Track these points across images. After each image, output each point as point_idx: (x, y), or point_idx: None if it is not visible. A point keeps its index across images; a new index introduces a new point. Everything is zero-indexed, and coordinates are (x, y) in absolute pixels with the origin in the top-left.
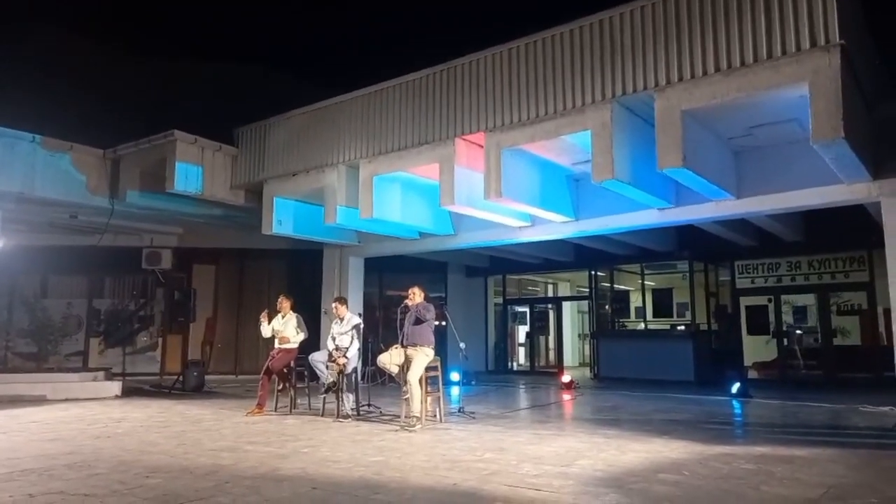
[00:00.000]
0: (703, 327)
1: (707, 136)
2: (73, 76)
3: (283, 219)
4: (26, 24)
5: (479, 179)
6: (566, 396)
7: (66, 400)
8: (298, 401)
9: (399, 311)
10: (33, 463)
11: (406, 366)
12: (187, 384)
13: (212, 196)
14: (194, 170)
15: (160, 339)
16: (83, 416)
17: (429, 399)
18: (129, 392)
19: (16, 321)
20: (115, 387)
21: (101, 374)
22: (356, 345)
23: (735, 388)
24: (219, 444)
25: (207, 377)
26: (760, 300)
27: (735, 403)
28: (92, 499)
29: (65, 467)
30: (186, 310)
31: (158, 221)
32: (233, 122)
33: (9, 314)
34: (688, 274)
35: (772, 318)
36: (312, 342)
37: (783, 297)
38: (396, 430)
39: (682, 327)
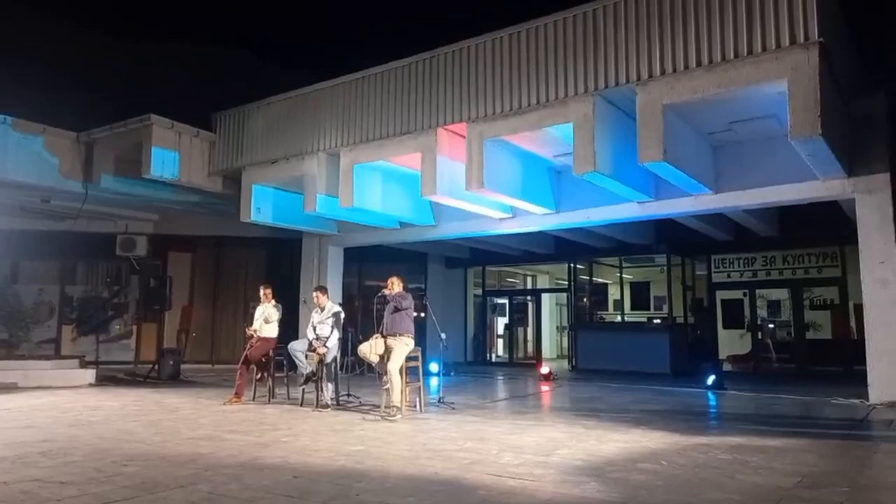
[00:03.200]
0: (680, 320)
1: (687, 131)
2: (46, 57)
3: (262, 206)
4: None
5: (461, 170)
6: (545, 387)
7: (39, 388)
8: (277, 390)
9: (376, 301)
10: (7, 450)
11: (386, 356)
12: (163, 373)
13: (189, 182)
14: (171, 155)
15: (135, 327)
16: (57, 404)
17: (408, 389)
18: (102, 380)
19: None
20: (89, 375)
21: (74, 361)
22: (336, 334)
23: (710, 380)
24: (197, 433)
25: (183, 366)
26: (736, 294)
27: (710, 395)
28: (69, 486)
29: (40, 455)
30: (162, 297)
31: (134, 207)
32: (211, 108)
33: None
34: (665, 267)
35: (747, 311)
36: (291, 332)
37: (758, 291)
38: (376, 420)
39: (659, 320)
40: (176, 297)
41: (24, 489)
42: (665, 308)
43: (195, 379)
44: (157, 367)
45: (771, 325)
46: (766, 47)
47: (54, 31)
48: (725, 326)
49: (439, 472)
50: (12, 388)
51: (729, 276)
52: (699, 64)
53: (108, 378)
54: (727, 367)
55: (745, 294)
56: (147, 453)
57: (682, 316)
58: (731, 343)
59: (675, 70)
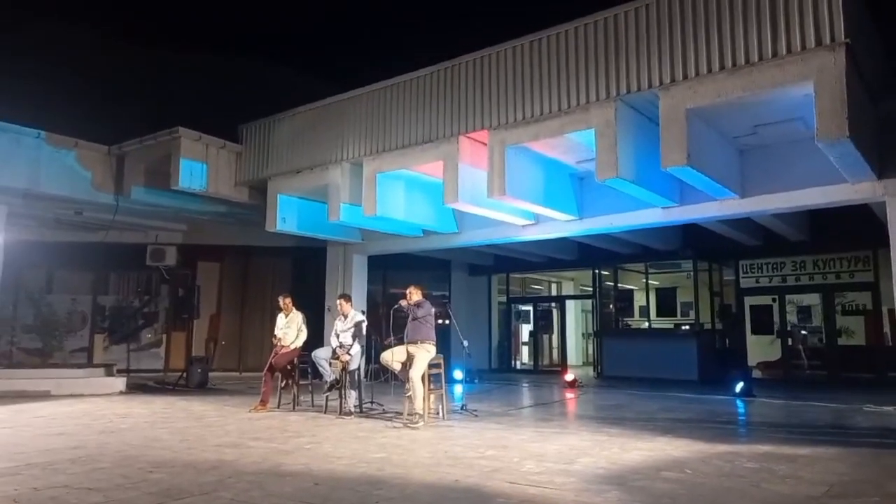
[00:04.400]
0: (707, 327)
1: (711, 135)
2: (76, 71)
3: (287, 216)
4: (29, 18)
5: (483, 177)
6: (569, 395)
7: (71, 395)
8: (301, 398)
9: (393, 313)
10: (38, 457)
11: (408, 363)
12: (191, 381)
13: (216, 193)
14: (199, 167)
15: (164, 336)
16: (88, 412)
17: (432, 396)
18: (133, 388)
19: (21, 316)
20: (120, 383)
21: (105, 369)
22: (359, 342)
23: (738, 387)
24: (222, 440)
25: (211, 374)
26: (765, 300)
27: (739, 403)
28: (95, 493)
29: (69, 461)
30: (191, 307)
31: (163, 218)
32: (237, 119)
33: (14, 309)
34: (692, 273)
35: (776, 317)
36: (316, 339)
37: (787, 296)
38: (399, 428)
39: (687, 327)
40: (204, 306)
41: (53, 495)
42: (692, 314)
43: (223, 387)
44: (185, 375)
45: (802, 332)
46: (791, 49)
47: (81, 42)
48: (754, 332)
49: (459, 480)
50: (46, 395)
51: (758, 282)
52: (722, 67)
53: (139, 386)
54: (757, 374)
55: (774, 300)
56: (173, 460)
57: (710, 322)
58: (761, 350)
59: (697, 74)
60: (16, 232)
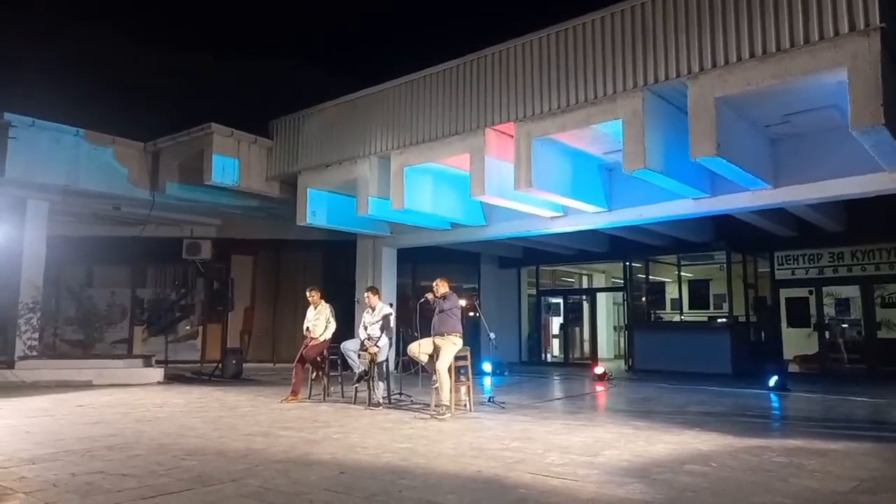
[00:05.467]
0: (742, 319)
1: (742, 124)
2: (113, 72)
3: (317, 210)
4: (69, 24)
5: (510, 169)
6: (599, 388)
7: (112, 385)
8: (331, 389)
9: (420, 305)
10: (77, 444)
11: (435, 355)
12: (226, 372)
13: (248, 188)
14: (231, 162)
15: (200, 328)
16: (126, 401)
17: (462, 389)
18: (170, 378)
19: (63, 309)
20: (158, 373)
21: (143, 360)
22: (387, 334)
23: (773, 381)
24: (253, 430)
25: (245, 365)
26: (801, 292)
27: (772, 397)
28: (130, 478)
29: (106, 449)
30: (225, 299)
31: (198, 213)
32: (268, 115)
33: (57, 302)
34: (725, 265)
35: (813, 310)
36: (347, 332)
37: (825, 288)
38: (426, 419)
39: (723, 319)
40: (238, 298)
41: (89, 480)
42: (725, 307)
43: (256, 377)
44: (221, 365)
45: (840, 325)
46: (824, 35)
47: (120, 48)
48: (790, 325)
49: (482, 471)
50: (88, 385)
51: (793, 274)
52: (752, 55)
53: (176, 376)
54: (794, 367)
55: (810, 292)
56: (205, 448)
57: (744, 315)
58: (798, 343)
59: (727, 62)
60: (57, 228)
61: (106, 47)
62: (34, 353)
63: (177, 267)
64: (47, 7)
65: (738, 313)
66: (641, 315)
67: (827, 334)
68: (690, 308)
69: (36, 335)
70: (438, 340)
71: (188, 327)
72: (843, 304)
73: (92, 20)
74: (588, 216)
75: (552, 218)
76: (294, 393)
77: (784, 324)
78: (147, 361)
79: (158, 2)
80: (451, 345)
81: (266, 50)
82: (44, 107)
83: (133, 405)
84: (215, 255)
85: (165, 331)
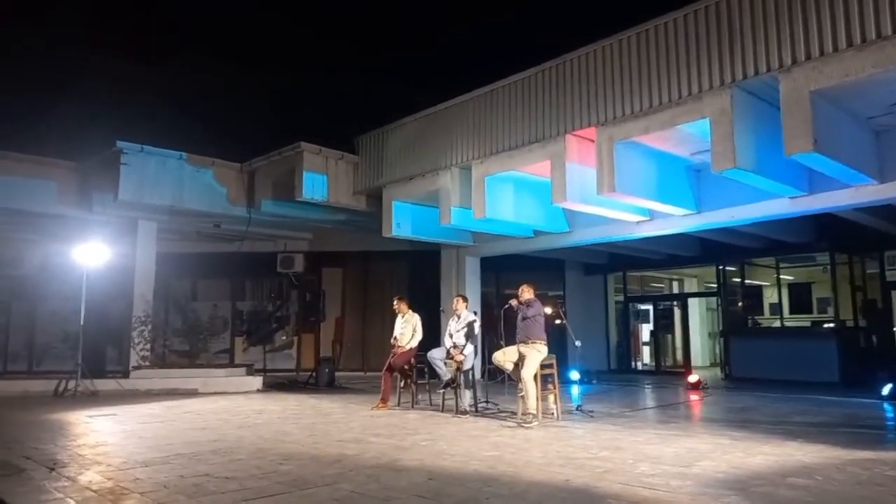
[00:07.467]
0: (849, 324)
1: (841, 117)
2: (209, 96)
3: (402, 221)
4: (168, 53)
5: (592, 175)
6: (693, 397)
7: (215, 393)
8: (419, 396)
9: (504, 311)
10: (184, 448)
11: (520, 363)
12: (320, 380)
13: (336, 202)
14: (320, 178)
15: (295, 338)
16: (228, 408)
17: (549, 397)
18: (269, 387)
19: (171, 321)
20: (257, 382)
21: (244, 369)
22: (472, 342)
23: (886, 389)
24: (345, 436)
25: (338, 373)
26: None
27: (886, 406)
28: (232, 481)
29: (211, 453)
30: (317, 310)
31: (290, 228)
32: (353, 131)
33: (165, 315)
34: (829, 266)
35: None
36: (433, 341)
37: None
38: (512, 427)
39: (829, 325)
40: (329, 309)
41: (196, 482)
42: (830, 311)
43: (348, 385)
44: (315, 374)
45: None
46: None
47: (214, 72)
48: None
49: (570, 480)
50: (194, 393)
51: None
52: (850, 44)
53: (274, 385)
54: None
55: None
56: (301, 453)
57: (852, 319)
58: None
59: (822, 53)
60: (163, 245)
61: (198, 70)
62: (146, 364)
63: (272, 280)
64: (149, 42)
65: (846, 317)
66: (738, 321)
67: None
68: (792, 313)
69: (148, 346)
70: (523, 348)
71: (284, 337)
72: None
73: (188, 52)
74: (675, 219)
75: (638, 222)
76: (384, 401)
77: None
78: (248, 370)
79: (246, 27)
80: (536, 352)
81: (349, 67)
82: (142, 131)
83: (235, 412)
84: (307, 267)
85: (263, 341)
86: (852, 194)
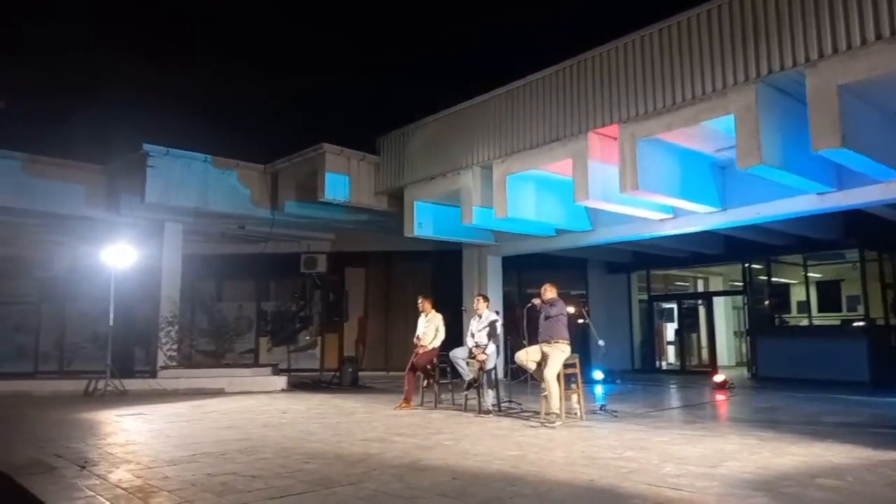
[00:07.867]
0: (880, 322)
1: (870, 112)
2: (233, 99)
3: (424, 221)
4: (193, 59)
5: (614, 173)
6: (719, 397)
7: (241, 392)
8: (442, 396)
9: (526, 312)
10: (211, 447)
11: (543, 362)
12: (343, 380)
13: (358, 203)
14: (342, 179)
15: (319, 338)
16: (254, 407)
17: (573, 397)
18: (293, 386)
19: (197, 322)
20: (282, 381)
21: (268, 369)
22: (494, 342)
23: None
24: (369, 435)
25: (361, 373)
26: None
27: None
28: (258, 480)
29: (237, 451)
30: (340, 310)
31: (313, 228)
32: (374, 132)
33: (191, 316)
34: (858, 264)
35: None
36: (455, 340)
37: None
38: (536, 427)
39: (861, 323)
40: (352, 309)
41: (223, 481)
42: (860, 309)
43: (372, 385)
44: (338, 374)
45: None
46: None
47: (237, 76)
48: None
49: (595, 480)
50: (220, 392)
51: None
52: (879, 37)
53: (298, 384)
54: None
55: None
56: (325, 452)
57: (883, 317)
58: None
59: (849, 47)
60: (189, 247)
61: (222, 73)
62: (173, 364)
63: (296, 280)
64: (174, 47)
65: (876, 316)
66: (765, 319)
67: None
68: (820, 311)
69: (175, 346)
70: (545, 348)
71: (307, 337)
72: None
73: (207, 52)
74: (700, 217)
75: (661, 220)
76: (407, 400)
77: None
78: (273, 370)
79: (270, 31)
80: (559, 352)
81: (371, 69)
82: (168, 134)
83: (260, 411)
84: (330, 268)
85: (287, 341)
86: (882, 190)
